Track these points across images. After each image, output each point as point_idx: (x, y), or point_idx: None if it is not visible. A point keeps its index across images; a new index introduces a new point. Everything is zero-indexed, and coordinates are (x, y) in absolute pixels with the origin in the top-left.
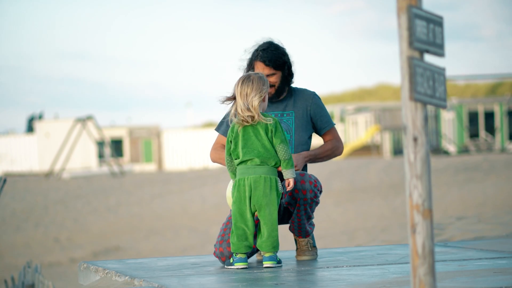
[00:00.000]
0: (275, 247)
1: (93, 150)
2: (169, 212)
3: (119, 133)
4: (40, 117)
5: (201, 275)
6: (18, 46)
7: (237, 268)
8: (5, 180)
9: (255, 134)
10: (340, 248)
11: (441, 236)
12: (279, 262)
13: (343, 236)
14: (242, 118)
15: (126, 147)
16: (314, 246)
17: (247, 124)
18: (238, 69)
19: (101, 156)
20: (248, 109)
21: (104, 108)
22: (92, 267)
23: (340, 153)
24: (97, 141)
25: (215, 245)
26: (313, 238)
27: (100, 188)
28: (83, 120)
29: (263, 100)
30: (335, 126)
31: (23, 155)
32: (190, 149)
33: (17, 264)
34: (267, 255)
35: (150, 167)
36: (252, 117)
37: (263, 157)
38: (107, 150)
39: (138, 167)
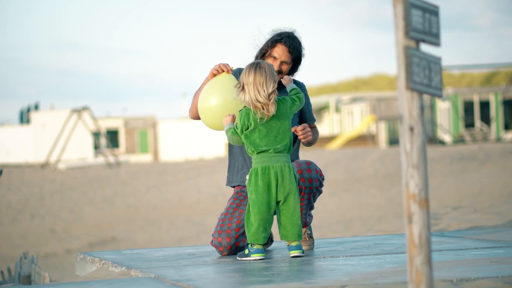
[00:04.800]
0: (300, 235)
1: (89, 141)
2: (165, 203)
3: (115, 123)
4: (36, 107)
5: (198, 266)
6: (12, 37)
7: (254, 260)
8: (1, 171)
9: (276, 122)
10: (336, 238)
11: (437, 226)
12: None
13: (339, 226)
14: (261, 110)
15: (122, 137)
16: (311, 237)
17: (268, 115)
18: (253, 46)
19: (96, 147)
20: (266, 98)
21: (99, 99)
22: (88, 258)
23: (313, 143)
24: (93, 132)
25: (213, 235)
26: (310, 229)
27: (96, 179)
28: (78, 111)
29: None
30: None
31: (19, 146)
32: (186, 139)
33: (13, 255)
34: (293, 244)
35: (146, 157)
36: (267, 107)
37: (285, 145)
38: (103, 141)
39: (134, 158)
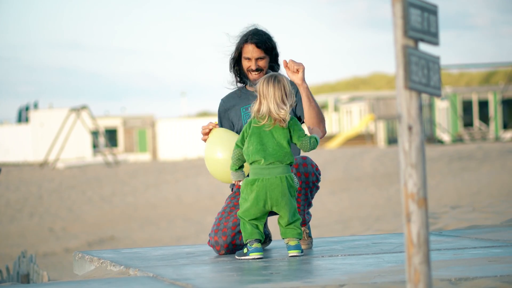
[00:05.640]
0: (299, 233)
1: (87, 139)
2: (164, 202)
3: (114, 122)
4: (35, 106)
5: (196, 265)
6: (12, 36)
7: (252, 259)
8: (0, 170)
9: (271, 132)
10: (335, 237)
11: (435, 225)
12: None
13: (337, 225)
14: (276, 119)
15: (121, 136)
16: (310, 236)
17: (281, 125)
18: (224, 56)
19: (95, 146)
20: (284, 110)
21: (98, 98)
22: (87, 256)
23: (321, 132)
24: (91, 131)
25: (210, 234)
26: (309, 228)
27: (95, 178)
28: (77, 110)
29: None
30: None
31: (18, 145)
32: (185, 138)
33: (12, 254)
34: (292, 243)
35: (145, 156)
36: (284, 120)
37: (277, 157)
38: (102, 140)
39: (133, 157)
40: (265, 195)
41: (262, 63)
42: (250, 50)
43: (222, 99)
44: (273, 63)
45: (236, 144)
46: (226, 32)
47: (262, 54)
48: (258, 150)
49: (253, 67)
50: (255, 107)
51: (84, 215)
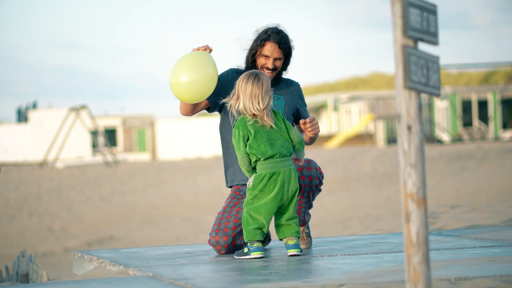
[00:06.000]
0: (298, 232)
1: (87, 139)
2: (163, 202)
3: (113, 122)
4: (34, 106)
5: (195, 264)
6: (11, 35)
7: (254, 258)
8: None
9: (270, 127)
10: (334, 237)
11: (435, 224)
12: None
13: (337, 225)
14: (254, 118)
15: (120, 136)
16: (309, 236)
17: (266, 124)
18: (242, 49)
19: (94, 145)
20: (260, 110)
21: (97, 97)
22: (86, 256)
23: (315, 140)
24: (90, 131)
25: (210, 233)
26: (308, 228)
27: (94, 178)
28: (77, 110)
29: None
30: None
31: (17, 145)
32: (184, 138)
33: (11, 254)
34: (291, 242)
35: (144, 156)
36: (261, 118)
37: (288, 148)
38: (101, 140)
39: (132, 157)
40: (283, 187)
41: (278, 64)
42: (271, 49)
43: (232, 69)
44: (286, 66)
45: (245, 153)
46: (255, 27)
47: (281, 55)
48: (270, 145)
49: (270, 66)
50: (231, 102)
51: (83, 215)
